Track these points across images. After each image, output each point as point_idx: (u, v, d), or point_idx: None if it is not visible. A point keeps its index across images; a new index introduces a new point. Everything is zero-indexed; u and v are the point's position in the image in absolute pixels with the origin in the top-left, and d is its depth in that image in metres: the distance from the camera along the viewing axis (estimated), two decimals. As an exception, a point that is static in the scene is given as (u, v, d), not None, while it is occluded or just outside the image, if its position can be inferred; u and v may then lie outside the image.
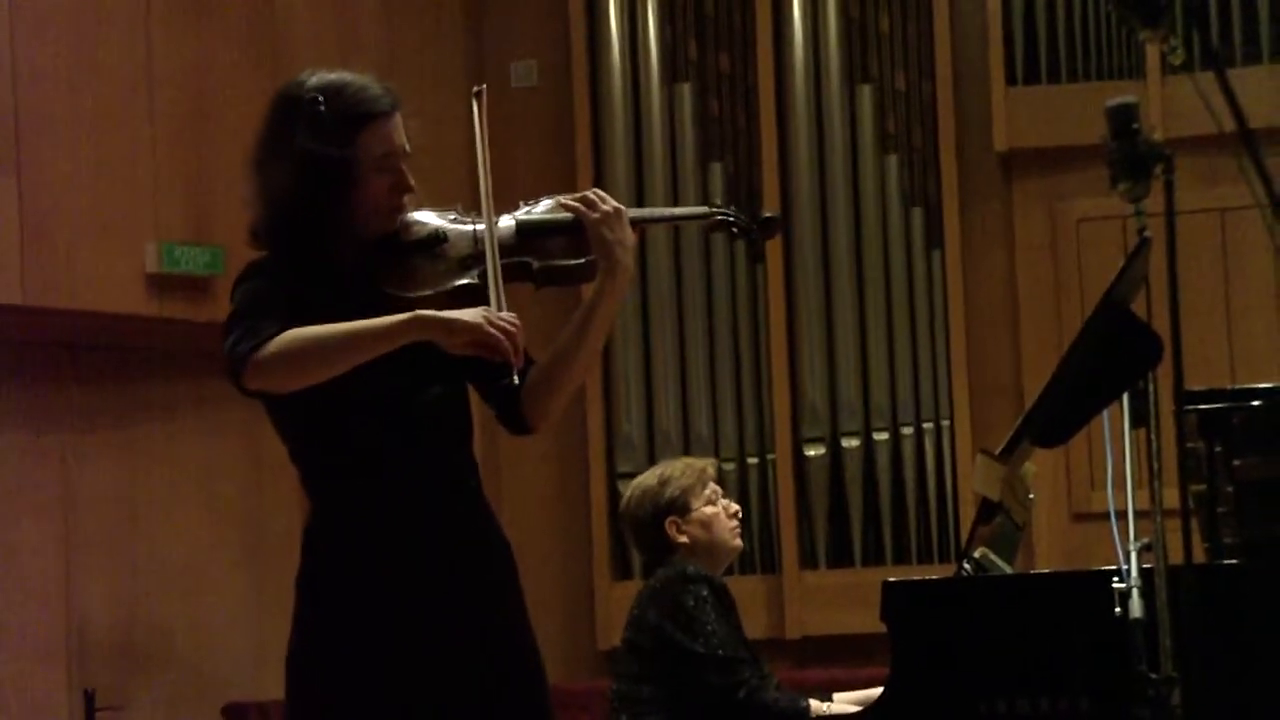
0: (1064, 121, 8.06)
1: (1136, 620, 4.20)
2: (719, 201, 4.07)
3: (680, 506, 5.17)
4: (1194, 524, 4.36)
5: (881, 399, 8.37)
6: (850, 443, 8.36)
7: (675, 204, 8.45)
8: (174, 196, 7.45)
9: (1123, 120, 3.60)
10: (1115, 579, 4.28)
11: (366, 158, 3.60)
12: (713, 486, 5.24)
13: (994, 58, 8.31)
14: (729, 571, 8.09)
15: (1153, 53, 8.02)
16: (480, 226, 3.64)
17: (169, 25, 7.48)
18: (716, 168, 8.56)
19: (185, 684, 7.83)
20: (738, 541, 5.26)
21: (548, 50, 8.66)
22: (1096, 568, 4.58)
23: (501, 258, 3.61)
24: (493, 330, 3.43)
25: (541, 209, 3.74)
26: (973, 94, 8.40)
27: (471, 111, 3.71)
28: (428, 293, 3.60)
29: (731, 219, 3.81)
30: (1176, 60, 3.45)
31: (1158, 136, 3.65)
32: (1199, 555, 4.42)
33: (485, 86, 3.78)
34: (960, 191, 8.41)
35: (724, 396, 8.49)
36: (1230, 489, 4.53)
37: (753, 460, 8.44)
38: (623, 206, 3.68)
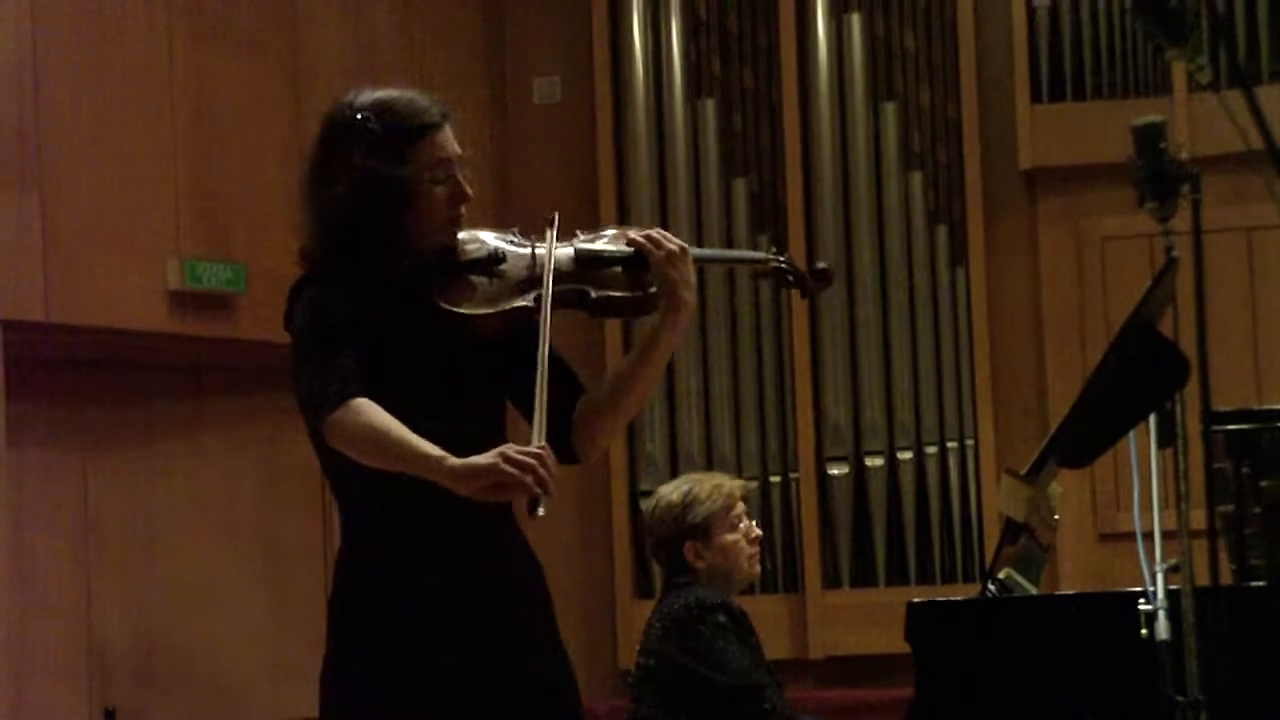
0: (1089, 139, 8.03)
1: (1163, 642, 4.17)
2: (775, 249, 4.08)
3: (702, 532, 5.11)
4: (1221, 545, 4.33)
5: (905, 418, 8.34)
6: (874, 462, 8.33)
7: (699, 221, 8.44)
8: (196, 213, 7.46)
9: (1149, 139, 3.58)
10: (1141, 600, 4.25)
11: (422, 171, 3.60)
12: (739, 509, 5.17)
13: (1019, 75, 8.29)
14: (750, 591, 8.11)
15: (1179, 70, 7.99)
16: (541, 250, 3.66)
17: (190, 43, 7.48)
18: (740, 184, 8.55)
19: (204, 701, 7.82)
20: (755, 568, 5.21)
21: (571, 66, 8.66)
22: (1122, 589, 4.54)
23: (559, 283, 3.62)
24: (508, 469, 3.35)
25: (600, 239, 3.76)
26: (997, 111, 8.38)
27: (547, 234, 3.71)
28: (482, 310, 3.60)
29: (786, 268, 3.89)
30: (1203, 78, 3.43)
31: (1184, 155, 3.62)
32: (1226, 577, 4.38)
33: (557, 214, 3.76)
34: (985, 209, 8.39)
35: (747, 415, 8.46)
36: (1258, 510, 4.50)
37: (776, 479, 8.41)
38: (686, 245, 3.71)
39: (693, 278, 3.70)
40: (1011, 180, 8.40)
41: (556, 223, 3.72)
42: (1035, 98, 8.30)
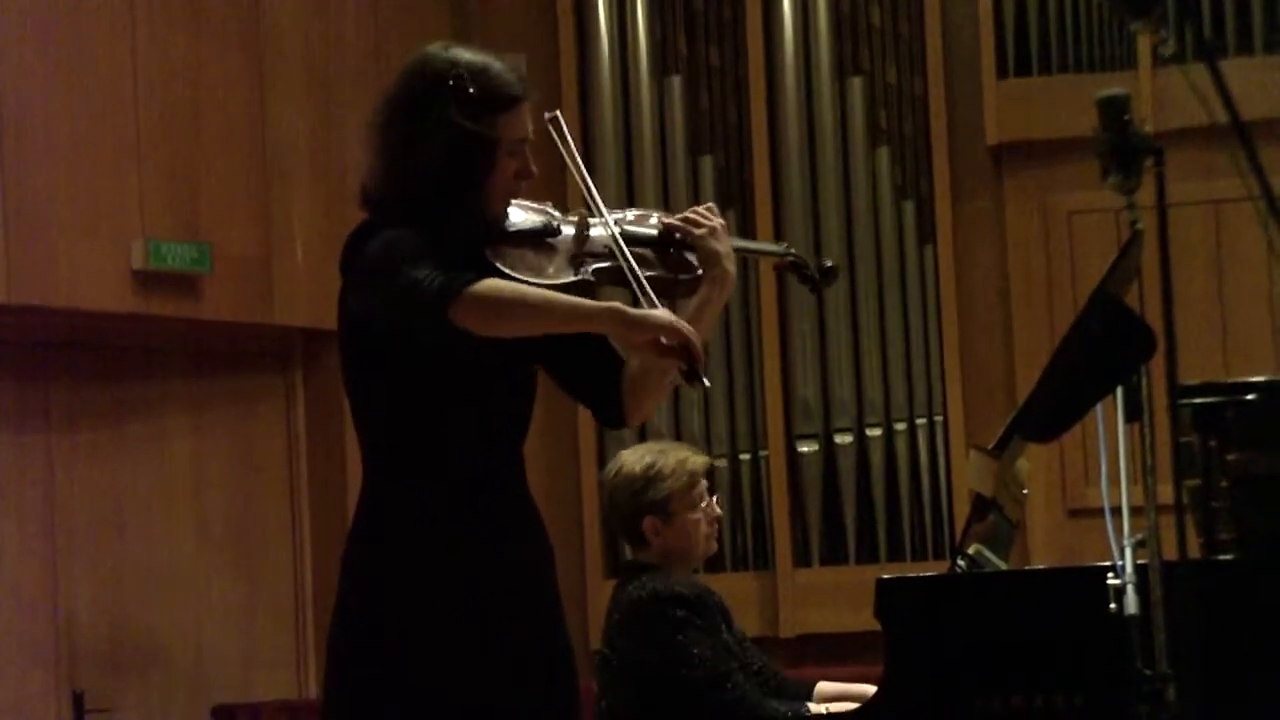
0: (1055, 113, 8.03)
1: (1131, 616, 4.17)
2: (790, 244, 4.17)
3: (662, 510, 5.04)
4: (1189, 519, 4.34)
5: (874, 395, 8.34)
6: (843, 439, 8.33)
7: (665, 199, 8.42)
8: (160, 193, 7.42)
9: (1113, 112, 3.56)
10: (1110, 575, 4.25)
11: (504, 140, 3.67)
12: (701, 486, 5.11)
13: (985, 50, 8.28)
14: (720, 569, 8.11)
15: (1144, 44, 7.99)
16: (596, 227, 3.73)
17: (154, 22, 7.45)
18: (707, 161, 8.53)
19: (174, 685, 7.79)
20: (712, 546, 5.15)
21: (536, 44, 8.62)
22: (1091, 564, 4.55)
23: (608, 261, 3.70)
24: (682, 328, 3.52)
25: (633, 218, 3.84)
26: (964, 86, 8.37)
27: (553, 140, 3.82)
28: (534, 280, 3.63)
29: (799, 262, 4.00)
30: (1168, 51, 3.42)
31: (1149, 128, 3.62)
32: (1194, 550, 4.38)
33: (559, 112, 3.87)
34: (952, 185, 8.39)
35: (716, 393, 8.45)
36: (1225, 483, 4.50)
37: (745, 457, 8.40)
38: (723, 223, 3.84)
39: (732, 252, 3.81)
40: (978, 155, 8.40)
41: (561, 121, 3.83)
42: (1001, 72, 8.29)
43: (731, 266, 3.78)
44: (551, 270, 3.67)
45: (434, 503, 3.62)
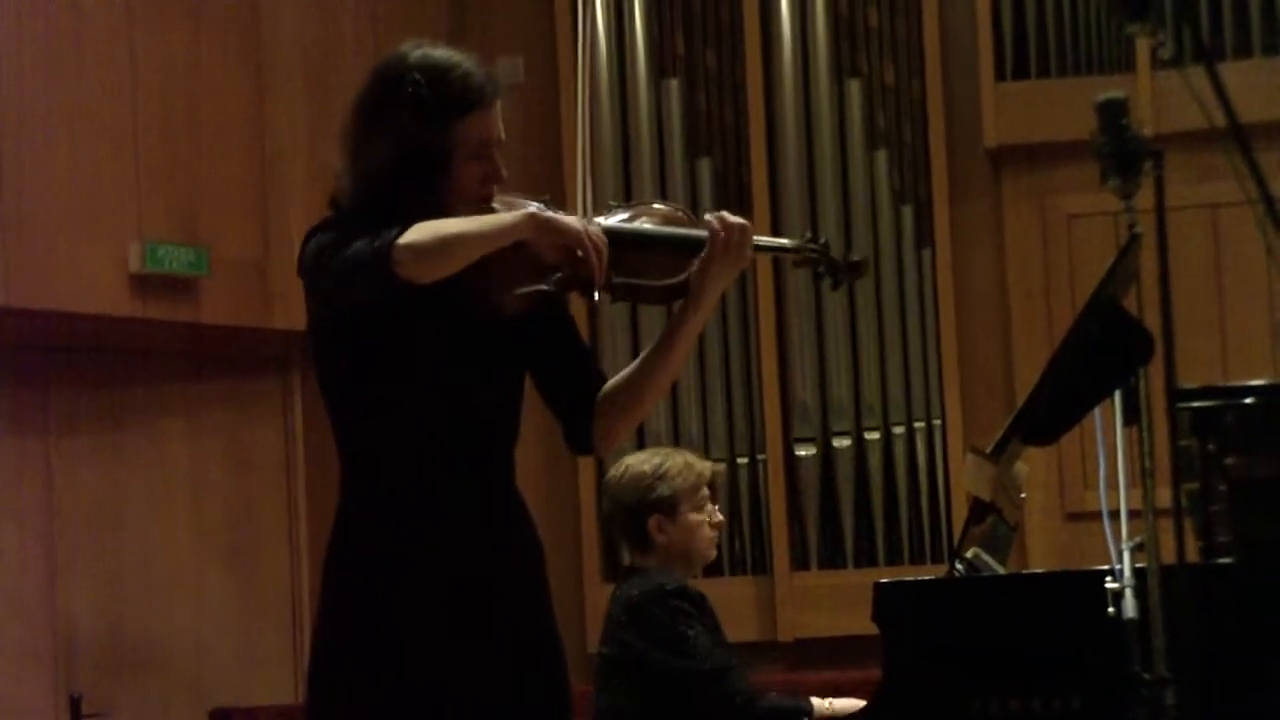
0: (1054, 116, 8.03)
1: (1130, 620, 4.18)
2: (811, 236, 3.94)
3: (668, 508, 5.09)
4: (1187, 523, 4.33)
5: (872, 398, 8.33)
6: (841, 442, 8.32)
7: (663, 200, 8.40)
8: (157, 195, 7.42)
9: (1112, 115, 3.56)
10: (1108, 578, 4.25)
11: (462, 146, 3.59)
12: (705, 491, 5.16)
13: (983, 52, 8.28)
14: (719, 573, 8.10)
15: (1142, 46, 7.99)
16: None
17: (151, 23, 7.45)
18: (704, 164, 8.52)
19: (171, 689, 7.79)
20: (712, 552, 5.22)
21: (534, 46, 8.62)
22: (1089, 567, 4.55)
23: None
24: (588, 241, 3.45)
25: (628, 216, 3.71)
26: (962, 89, 8.37)
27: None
28: (500, 294, 3.55)
29: (818, 259, 3.81)
30: (1166, 54, 3.42)
31: (1147, 131, 3.61)
32: (1192, 554, 4.38)
33: None
34: (950, 187, 8.38)
35: (714, 396, 8.45)
36: (1223, 487, 4.50)
37: (743, 460, 8.40)
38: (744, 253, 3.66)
39: (733, 275, 3.68)
40: (976, 158, 8.39)
41: None
42: (1000, 75, 8.28)
43: (717, 290, 3.67)
44: (523, 279, 3.54)
45: (411, 505, 3.58)
